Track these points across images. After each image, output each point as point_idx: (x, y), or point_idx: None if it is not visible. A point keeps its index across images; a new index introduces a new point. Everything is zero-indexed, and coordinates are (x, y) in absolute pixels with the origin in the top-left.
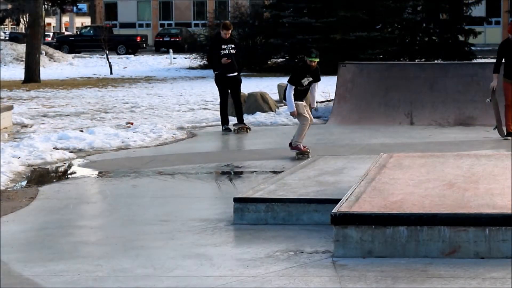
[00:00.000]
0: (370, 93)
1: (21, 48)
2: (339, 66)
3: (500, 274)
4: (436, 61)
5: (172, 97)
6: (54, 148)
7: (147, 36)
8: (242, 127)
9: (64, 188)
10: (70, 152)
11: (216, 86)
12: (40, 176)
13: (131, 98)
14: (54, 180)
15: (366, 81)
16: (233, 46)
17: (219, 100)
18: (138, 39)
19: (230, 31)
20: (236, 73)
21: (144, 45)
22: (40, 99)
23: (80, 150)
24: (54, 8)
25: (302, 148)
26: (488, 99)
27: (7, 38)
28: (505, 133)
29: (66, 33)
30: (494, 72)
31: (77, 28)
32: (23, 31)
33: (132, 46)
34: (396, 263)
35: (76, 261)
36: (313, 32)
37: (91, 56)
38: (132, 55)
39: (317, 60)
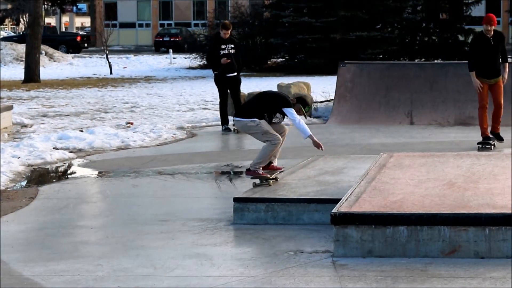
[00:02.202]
0: (370, 92)
1: (21, 48)
2: (339, 65)
3: (500, 273)
4: (436, 61)
5: (172, 97)
6: (54, 148)
7: (90, 36)
8: None
9: (64, 188)
10: (70, 152)
11: (216, 86)
12: (40, 176)
13: (131, 98)
14: (54, 180)
15: (366, 81)
16: (232, 46)
17: (218, 100)
18: (79, 38)
19: (229, 31)
20: (235, 73)
21: (86, 44)
22: (40, 99)
23: (80, 150)
24: (54, 8)
25: (261, 173)
26: None
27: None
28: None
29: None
30: (471, 71)
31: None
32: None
33: (73, 46)
34: (396, 263)
35: (76, 261)
36: (313, 32)
37: (91, 56)
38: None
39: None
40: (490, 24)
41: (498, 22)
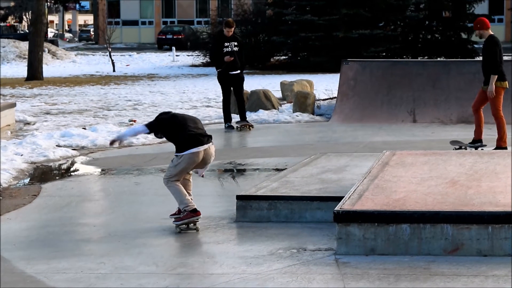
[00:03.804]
0: (372, 90)
1: (24, 45)
2: (342, 63)
3: (502, 272)
4: (438, 59)
5: (175, 94)
6: (56, 146)
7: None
8: (244, 125)
9: (67, 185)
10: (72, 149)
11: (218, 84)
12: (43, 173)
13: (134, 95)
14: (57, 178)
15: (368, 79)
16: (235, 43)
17: (221, 98)
18: None
19: (232, 28)
20: (238, 71)
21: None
22: (43, 97)
23: (83, 147)
24: (56, 5)
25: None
26: None
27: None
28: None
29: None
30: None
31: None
32: (26, 29)
33: None
34: (398, 261)
35: (78, 259)
36: (315, 30)
37: (94, 53)
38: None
39: None
40: (474, 27)
41: (501, 20)
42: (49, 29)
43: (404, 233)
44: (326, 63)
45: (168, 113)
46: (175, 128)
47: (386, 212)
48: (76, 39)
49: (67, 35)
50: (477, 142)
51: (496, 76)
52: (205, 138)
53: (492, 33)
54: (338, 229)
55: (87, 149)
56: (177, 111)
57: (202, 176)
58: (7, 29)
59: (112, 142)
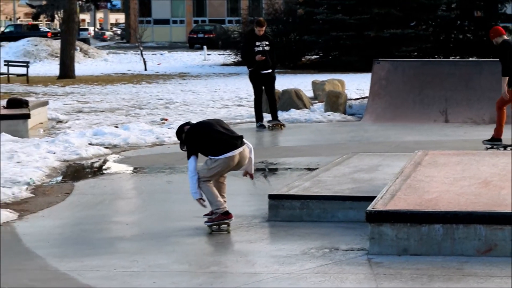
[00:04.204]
0: (404, 90)
1: (56, 44)
2: (373, 63)
3: None
4: (470, 59)
5: (206, 93)
6: (89, 144)
7: None
8: (276, 124)
9: (100, 183)
10: (105, 148)
11: (250, 83)
12: (76, 171)
13: (166, 94)
14: (90, 176)
15: (400, 78)
16: (267, 43)
17: (253, 97)
18: None
19: (264, 28)
20: (270, 70)
21: None
22: (75, 95)
23: (115, 146)
24: (88, 4)
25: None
26: None
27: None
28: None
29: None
30: None
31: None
32: (58, 27)
33: None
34: (431, 261)
35: (111, 257)
36: (346, 29)
37: (125, 52)
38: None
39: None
40: (490, 37)
41: None
42: (91, 28)
43: (437, 233)
44: (357, 62)
45: (186, 124)
46: (203, 134)
47: (419, 212)
48: (118, 37)
49: (108, 33)
50: (495, 141)
51: (507, 78)
52: (238, 141)
53: (505, 38)
54: (371, 229)
55: (119, 147)
56: (209, 110)
57: (252, 178)
58: (28, 28)
59: (202, 202)
